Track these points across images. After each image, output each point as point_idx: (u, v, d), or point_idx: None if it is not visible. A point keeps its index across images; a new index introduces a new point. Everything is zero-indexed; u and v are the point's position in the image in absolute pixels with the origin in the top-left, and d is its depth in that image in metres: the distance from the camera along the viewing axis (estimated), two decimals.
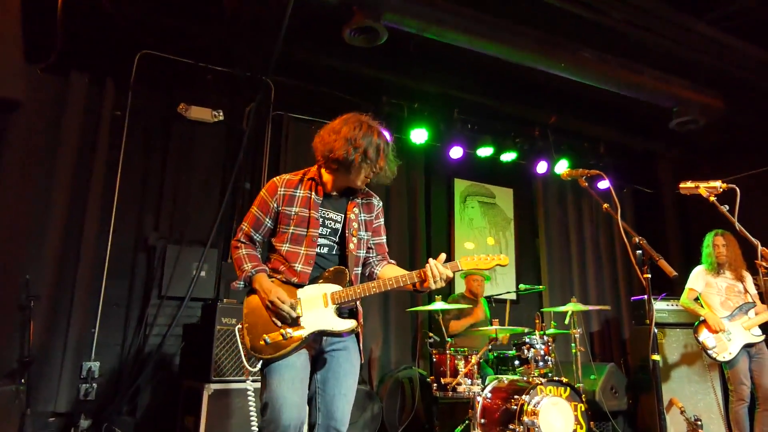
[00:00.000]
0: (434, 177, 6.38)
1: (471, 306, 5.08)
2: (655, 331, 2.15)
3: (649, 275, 2.22)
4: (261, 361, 2.08)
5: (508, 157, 6.26)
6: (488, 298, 5.66)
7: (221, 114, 4.94)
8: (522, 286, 5.36)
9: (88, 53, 4.49)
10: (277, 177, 2.29)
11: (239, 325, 2.16)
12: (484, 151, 6.10)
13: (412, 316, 5.77)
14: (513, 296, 6.32)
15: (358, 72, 5.34)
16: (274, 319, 2.09)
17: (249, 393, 2.24)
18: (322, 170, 2.27)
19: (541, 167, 6.45)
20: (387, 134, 2.28)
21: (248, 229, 2.26)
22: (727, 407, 4.62)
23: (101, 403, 4.15)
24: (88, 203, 4.25)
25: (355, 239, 2.24)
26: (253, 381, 2.24)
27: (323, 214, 2.23)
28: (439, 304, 4.44)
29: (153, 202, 4.68)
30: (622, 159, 6.91)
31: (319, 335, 2.15)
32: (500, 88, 5.94)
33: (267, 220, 2.25)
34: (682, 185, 2.70)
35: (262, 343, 2.06)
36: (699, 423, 4.41)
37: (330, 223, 2.24)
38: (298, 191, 2.24)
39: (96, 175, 4.33)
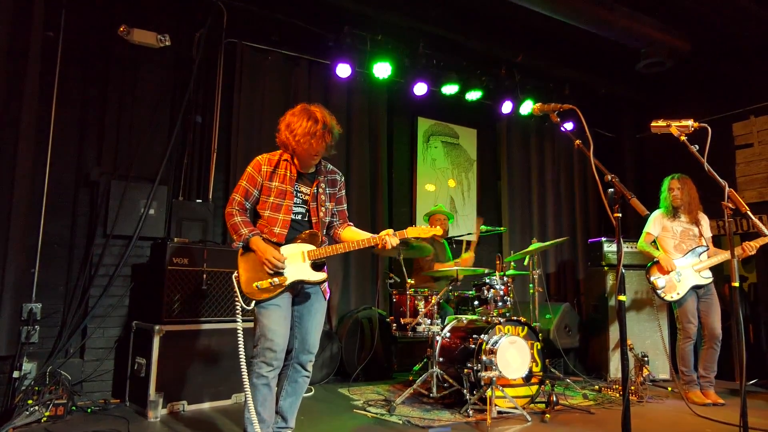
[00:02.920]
0: (397, 114, 6.19)
1: (429, 247, 5.04)
2: (623, 271, 2.10)
3: (620, 215, 2.15)
4: (254, 302, 2.65)
5: (473, 95, 6.10)
6: (449, 240, 5.64)
7: (168, 39, 4.52)
8: (483, 228, 5.33)
9: None
10: (260, 156, 2.82)
11: (235, 274, 2.70)
12: (449, 89, 5.93)
13: (372, 258, 5.71)
14: (474, 237, 6.34)
15: None
16: (266, 270, 2.64)
17: (239, 332, 2.63)
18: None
19: (506, 107, 6.36)
20: (323, 118, 2.68)
21: (240, 199, 2.77)
22: (673, 345, 4.83)
23: (45, 346, 3.96)
24: (19, 134, 3.85)
25: (323, 208, 2.83)
26: (244, 321, 2.66)
27: (296, 188, 2.79)
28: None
29: (94, 135, 4.33)
30: (585, 102, 6.85)
31: (298, 283, 2.74)
32: (468, 23, 5.70)
33: (255, 191, 2.78)
34: (653, 124, 2.62)
35: (254, 288, 2.63)
36: (645, 359, 4.60)
37: (301, 195, 2.81)
38: (278, 169, 2.78)
39: (27, 104, 3.91)
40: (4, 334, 3.73)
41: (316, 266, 2.78)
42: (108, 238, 4.18)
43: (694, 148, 2.54)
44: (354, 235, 2.89)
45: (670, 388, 4.96)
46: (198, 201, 4.68)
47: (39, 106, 4.00)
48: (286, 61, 5.32)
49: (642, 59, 5.63)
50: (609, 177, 2.21)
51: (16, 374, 3.77)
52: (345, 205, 3.02)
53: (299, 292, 2.81)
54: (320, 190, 2.84)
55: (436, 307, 4.22)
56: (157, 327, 3.67)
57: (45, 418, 3.36)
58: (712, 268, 4.55)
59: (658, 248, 4.72)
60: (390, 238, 2.72)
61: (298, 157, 2.77)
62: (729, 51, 6.18)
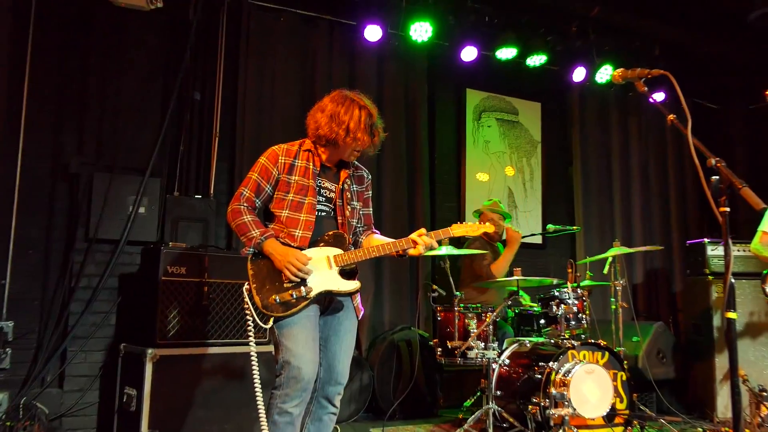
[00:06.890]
0: (440, 86, 6.21)
1: (487, 251, 5.02)
2: (733, 281, 2.06)
3: (728, 209, 2.10)
4: (272, 319, 2.64)
5: (535, 60, 6.08)
6: (504, 243, 5.61)
7: (160, 0, 4.65)
8: (550, 227, 5.27)
9: None
10: (276, 146, 2.88)
11: (246, 286, 2.70)
12: (506, 53, 5.92)
13: (410, 267, 5.73)
14: (539, 239, 6.29)
15: None
16: (287, 279, 2.66)
17: (252, 357, 2.67)
18: (317, 145, 2.90)
19: (579, 74, 6.32)
20: (372, 107, 2.82)
21: (250, 195, 2.80)
22: None
23: (19, 373, 4.12)
24: None
25: (349, 207, 2.91)
26: (258, 344, 2.71)
27: (320, 183, 2.86)
28: (444, 249, 4.36)
29: (74, 118, 4.49)
30: (680, 65, 6.72)
31: (326, 295, 2.76)
32: None
33: (268, 186, 2.82)
34: None
35: (272, 301, 2.63)
36: (765, 394, 4.47)
37: (325, 192, 2.87)
38: (297, 161, 2.84)
39: None
40: None
41: (346, 273, 2.78)
42: (90, 242, 4.32)
43: None
44: (380, 242, 2.92)
45: None
46: (197, 196, 4.79)
47: (9, 82, 4.16)
48: (302, 22, 5.39)
49: (755, 9, 5.50)
50: (713, 161, 2.16)
51: None
52: (371, 209, 3.10)
53: (327, 305, 2.82)
54: (346, 186, 2.91)
55: (491, 326, 4.21)
56: (149, 351, 3.75)
57: None
58: None
59: None
60: (423, 239, 2.75)
61: (338, 151, 2.84)
62: None
